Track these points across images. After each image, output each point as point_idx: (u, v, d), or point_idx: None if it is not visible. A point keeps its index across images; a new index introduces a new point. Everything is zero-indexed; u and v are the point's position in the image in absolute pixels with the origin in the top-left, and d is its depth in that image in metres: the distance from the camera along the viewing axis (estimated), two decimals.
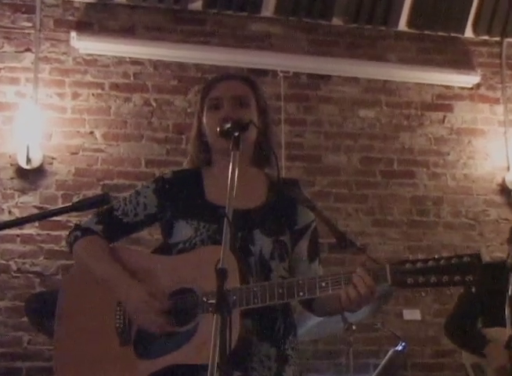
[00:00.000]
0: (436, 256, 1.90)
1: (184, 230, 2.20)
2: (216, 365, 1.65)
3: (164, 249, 2.27)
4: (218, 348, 1.66)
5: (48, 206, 4.76)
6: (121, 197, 2.35)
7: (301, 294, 1.98)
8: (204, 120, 2.28)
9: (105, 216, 2.30)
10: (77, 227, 2.31)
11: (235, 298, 1.97)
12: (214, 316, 1.70)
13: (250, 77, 2.40)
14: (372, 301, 1.99)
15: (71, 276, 2.42)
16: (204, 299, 2.02)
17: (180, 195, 2.26)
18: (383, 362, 4.21)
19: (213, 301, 1.76)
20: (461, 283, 1.87)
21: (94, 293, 2.23)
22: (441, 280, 1.87)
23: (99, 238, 2.27)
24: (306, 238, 2.27)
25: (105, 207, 2.25)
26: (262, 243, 2.16)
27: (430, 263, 1.89)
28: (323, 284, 1.97)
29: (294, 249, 2.25)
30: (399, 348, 4.20)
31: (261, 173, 2.32)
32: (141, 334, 2.12)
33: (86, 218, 2.37)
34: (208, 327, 1.87)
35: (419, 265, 1.90)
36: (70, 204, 2.06)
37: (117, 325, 2.16)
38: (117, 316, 2.17)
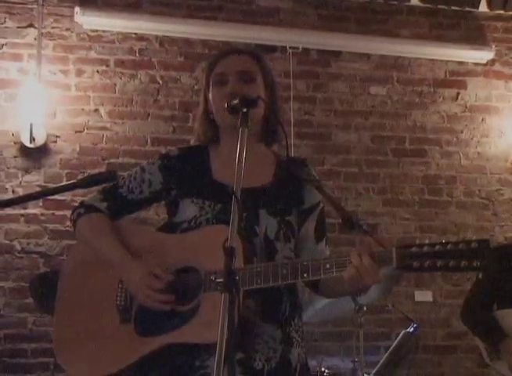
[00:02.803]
0: (444, 240, 1.86)
1: (189, 209, 2.16)
2: (224, 344, 1.61)
3: (169, 228, 2.23)
4: (225, 328, 1.62)
5: (52, 185, 4.71)
6: (126, 174, 2.30)
7: (305, 275, 1.94)
8: (210, 96, 2.22)
9: (109, 193, 2.26)
10: (81, 204, 2.28)
11: (238, 278, 1.90)
12: (222, 295, 1.66)
13: (256, 51, 2.34)
14: (376, 283, 1.94)
15: (74, 252, 2.38)
16: (212, 278, 1.99)
17: (186, 173, 2.23)
18: (394, 344, 4.19)
19: (220, 279, 1.70)
20: (468, 268, 1.82)
21: (96, 270, 2.21)
22: (448, 265, 1.83)
23: (102, 215, 2.24)
24: (313, 218, 2.23)
25: (110, 184, 2.22)
26: (267, 223, 2.12)
27: (437, 247, 1.85)
28: (327, 266, 1.92)
29: (301, 229, 2.21)
30: (410, 329, 4.20)
31: (268, 151, 2.28)
32: (142, 312, 2.09)
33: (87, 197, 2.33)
34: (210, 307, 1.88)
35: (426, 248, 1.86)
36: (75, 180, 2.04)
37: (118, 302, 2.14)
38: (119, 294, 2.15)
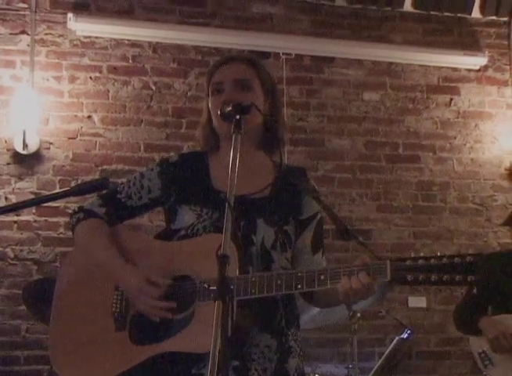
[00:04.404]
0: (439, 253, 1.84)
1: (187, 216, 2.15)
2: (217, 353, 1.61)
3: (167, 235, 2.22)
4: (219, 336, 1.62)
5: (45, 192, 4.71)
6: (126, 180, 2.30)
7: (299, 287, 1.94)
8: (209, 105, 2.22)
9: (108, 199, 2.26)
10: (80, 209, 2.27)
11: (232, 287, 1.91)
12: (216, 303, 1.65)
13: (254, 58, 2.31)
14: (370, 295, 1.94)
15: (70, 258, 2.37)
16: (205, 285, 1.98)
17: (185, 179, 2.22)
18: (388, 350, 4.18)
19: (214, 287, 1.70)
20: (463, 283, 1.82)
21: (93, 276, 2.21)
22: (442, 279, 1.82)
23: (101, 221, 2.23)
24: (310, 229, 2.22)
25: (109, 189, 2.21)
26: (265, 232, 2.11)
27: (432, 261, 1.83)
28: (322, 278, 1.92)
29: (298, 240, 2.20)
30: (404, 336, 4.20)
31: (267, 159, 2.27)
32: (137, 320, 2.09)
33: (85, 203, 2.31)
34: (204, 315, 1.87)
35: (420, 262, 1.84)
36: (68, 188, 2.00)
37: (114, 310, 2.13)
38: (114, 301, 2.14)
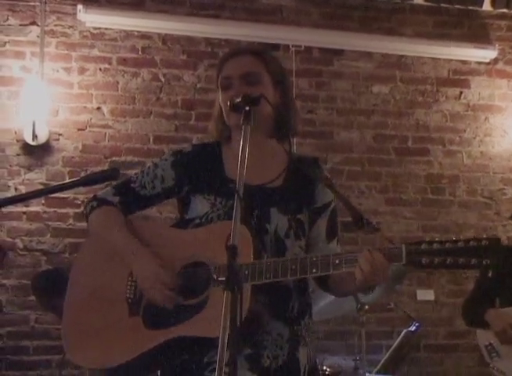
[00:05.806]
0: (454, 238, 1.84)
1: (200, 205, 2.18)
2: (226, 340, 1.63)
3: (181, 225, 2.24)
4: (228, 325, 1.64)
5: (54, 183, 4.68)
6: (140, 170, 2.32)
7: (314, 270, 1.94)
8: (220, 99, 2.24)
9: (122, 188, 2.29)
10: (94, 198, 2.30)
11: (247, 272, 1.94)
12: (224, 293, 1.67)
13: (262, 50, 2.33)
14: (386, 280, 1.94)
15: (85, 246, 2.39)
16: (214, 276, 2.00)
17: (198, 169, 2.24)
18: (395, 343, 4.18)
19: (223, 278, 1.72)
20: (478, 266, 1.82)
21: (107, 263, 2.23)
22: (458, 262, 1.82)
23: (115, 209, 2.26)
24: (324, 217, 2.24)
25: (122, 178, 2.25)
26: (278, 221, 2.13)
27: (447, 245, 1.84)
28: (337, 262, 1.93)
29: (312, 228, 2.22)
30: (412, 328, 4.20)
31: (280, 147, 2.28)
32: (150, 305, 2.11)
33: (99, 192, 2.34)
34: (218, 301, 1.88)
35: (435, 246, 1.85)
36: (77, 178, 2.03)
37: (128, 295, 2.16)
38: (128, 287, 2.16)
